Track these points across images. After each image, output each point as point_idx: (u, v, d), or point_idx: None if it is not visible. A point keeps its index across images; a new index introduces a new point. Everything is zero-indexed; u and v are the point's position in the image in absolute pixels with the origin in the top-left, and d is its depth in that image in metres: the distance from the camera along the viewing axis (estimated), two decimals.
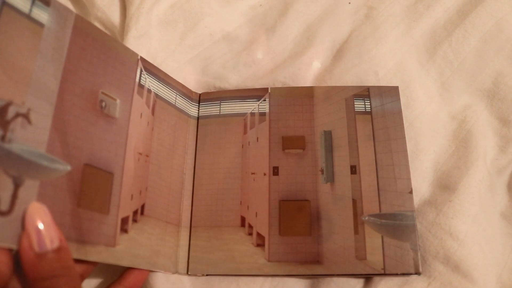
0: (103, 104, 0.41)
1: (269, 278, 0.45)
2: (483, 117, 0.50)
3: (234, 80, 0.53)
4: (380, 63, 0.52)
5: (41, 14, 0.36)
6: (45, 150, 0.35)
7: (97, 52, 0.41)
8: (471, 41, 0.53)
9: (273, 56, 0.55)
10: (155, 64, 0.49)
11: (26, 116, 0.34)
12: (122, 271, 0.42)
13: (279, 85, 0.52)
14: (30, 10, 0.36)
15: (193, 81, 0.53)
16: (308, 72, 0.53)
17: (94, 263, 0.38)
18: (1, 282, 0.30)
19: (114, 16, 0.56)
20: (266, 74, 0.53)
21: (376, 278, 0.43)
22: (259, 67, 0.54)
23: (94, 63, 0.41)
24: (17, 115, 0.33)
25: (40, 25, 0.36)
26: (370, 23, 0.56)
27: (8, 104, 0.33)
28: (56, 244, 0.31)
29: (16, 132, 0.33)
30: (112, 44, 0.43)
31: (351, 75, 0.52)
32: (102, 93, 0.41)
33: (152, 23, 0.54)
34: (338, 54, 0.54)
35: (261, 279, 0.44)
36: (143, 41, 0.53)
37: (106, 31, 0.56)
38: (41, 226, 0.31)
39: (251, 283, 0.44)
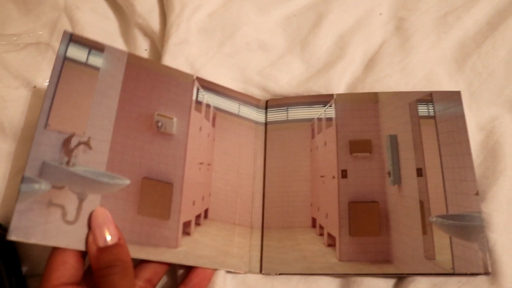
0: (159, 124, 0.46)
1: (304, 279, 0.46)
2: (511, 128, 0.51)
3: (271, 88, 0.55)
4: (411, 73, 0.54)
5: (97, 60, 0.44)
6: (105, 169, 0.42)
7: (150, 80, 0.47)
8: (500, 52, 0.54)
9: (307, 66, 0.57)
10: (193, 69, 0.53)
11: (87, 144, 0.41)
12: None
13: (314, 94, 0.54)
14: (87, 59, 0.44)
15: (231, 87, 0.55)
16: (341, 81, 0.55)
17: (163, 268, 0.42)
18: (76, 279, 0.37)
19: (154, 23, 0.58)
20: (301, 83, 0.55)
21: (407, 280, 0.45)
22: (294, 76, 0.56)
23: (149, 90, 0.47)
24: (79, 143, 0.41)
25: (96, 68, 0.44)
26: (400, 34, 0.57)
27: (71, 136, 0.41)
28: (114, 240, 0.38)
29: (78, 157, 0.41)
30: (165, 71, 0.49)
31: (383, 85, 0.53)
32: (158, 114, 0.46)
33: (192, 30, 0.57)
34: (370, 64, 0.56)
35: (296, 278, 0.46)
36: (182, 48, 0.55)
37: (146, 38, 0.59)
38: (102, 225, 0.38)
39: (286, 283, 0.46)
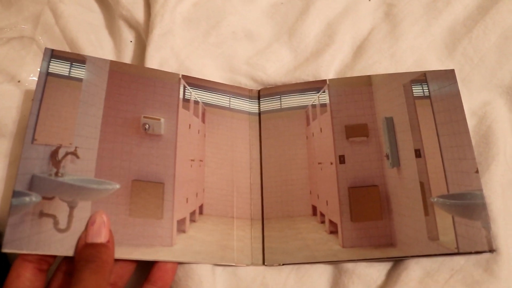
0: (147, 126, 0.47)
1: (295, 269, 0.46)
2: (503, 113, 0.50)
3: (258, 77, 0.54)
4: (401, 59, 0.53)
5: (79, 71, 0.45)
6: (94, 175, 0.43)
7: (135, 84, 0.48)
8: (492, 37, 0.54)
9: (295, 54, 0.56)
10: (178, 60, 0.53)
11: (74, 153, 0.42)
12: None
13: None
14: (69, 72, 0.45)
15: (218, 78, 0.54)
16: (330, 69, 0.54)
17: (128, 271, 0.42)
18: None
19: (139, 14, 0.57)
20: (289, 71, 0.54)
21: (399, 268, 0.44)
22: (282, 64, 0.55)
23: (133, 95, 0.47)
24: (67, 154, 0.42)
25: (79, 80, 0.45)
26: (390, 20, 0.57)
27: (58, 147, 0.42)
28: (102, 241, 0.39)
29: (66, 167, 0.42)
30: (150, 74, 0.49)
31: (372, 72, 0.52)
32: (144, 117, 0.47)
33: (176, 21, 0.56)
34: (359, 51, 0.55)
35: (287, 269, 0.46)
36: (167, 39, 0.54)
37: (131, 29, 0.57)
38: (95, 226, 0.40)
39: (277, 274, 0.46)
